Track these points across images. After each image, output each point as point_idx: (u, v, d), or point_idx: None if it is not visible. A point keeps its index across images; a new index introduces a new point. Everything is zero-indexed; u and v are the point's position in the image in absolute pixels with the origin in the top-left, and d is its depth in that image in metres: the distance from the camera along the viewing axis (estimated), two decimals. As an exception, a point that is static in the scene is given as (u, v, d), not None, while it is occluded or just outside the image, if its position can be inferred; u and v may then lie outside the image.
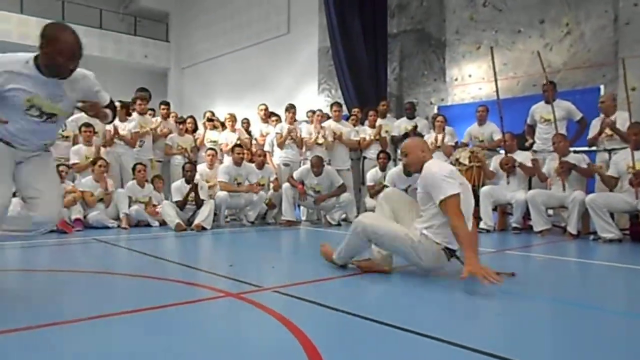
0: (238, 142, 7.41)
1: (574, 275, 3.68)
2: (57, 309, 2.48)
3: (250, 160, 7.16)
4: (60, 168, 6.24)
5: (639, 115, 6.65)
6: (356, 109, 8.04)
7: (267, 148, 7.63)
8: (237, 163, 6.70)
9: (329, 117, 7.78)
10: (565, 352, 1.83)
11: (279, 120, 7.87)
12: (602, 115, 5.85)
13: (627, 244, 4.94)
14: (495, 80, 6.05)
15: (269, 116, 8.13)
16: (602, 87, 7.11)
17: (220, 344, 1.91)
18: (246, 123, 8.59)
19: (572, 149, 5.70)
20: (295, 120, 7.74)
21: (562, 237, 5.44)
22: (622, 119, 5.56)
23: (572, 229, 5.31)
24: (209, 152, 7.19)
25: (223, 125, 8.17)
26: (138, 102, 7.32)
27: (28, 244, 4.52)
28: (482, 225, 5.89)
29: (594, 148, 6.03)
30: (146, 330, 2.08)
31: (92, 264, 3.89)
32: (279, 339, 1.94)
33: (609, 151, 5.71)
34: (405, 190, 6.42)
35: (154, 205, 6.51)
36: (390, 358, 1.75)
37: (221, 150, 7.67)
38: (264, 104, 8.30)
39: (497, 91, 6.10)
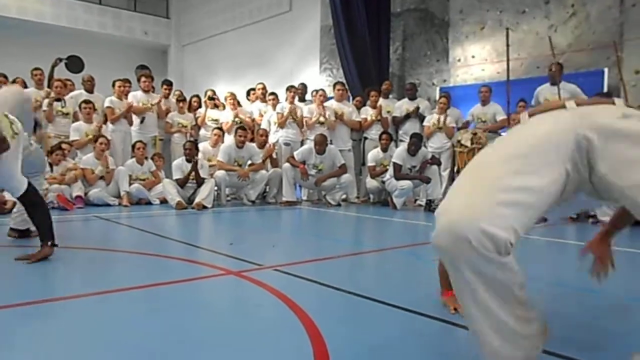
0: (240, 123, 7.35)
1: (571, 258, 3.69)
2: (59, 285, 2.50)
3: (252, 140, 7.14)
4: (63, 146, 6.24)
5: (641, 98, 6.62)
6: (358, 97, 7.97)
7: (264, 126, 7.60)
8: (239, 145, 6.68)
9: (330, 98, 7.74)
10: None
11: (276, 99, 7.81)
12: None
13: (626, 229, 4.95)
14: (507, 64, 5.99)
15: (265, 95, 8.03)
16: (606, 70, 7.03)
17: (222, 321, 1.93)
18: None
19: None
20: (304, 100, 7.67)
21: (562, 220, 5.46)
22: None
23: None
24: (216, 131, 7.17)
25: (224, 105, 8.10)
26: (143, 79, 7.30)
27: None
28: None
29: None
30: (148, 307, 2.10)
31: (93, 240, 3.91)
32: (279, 317, 1.96)
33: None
34: (410, 170, 6.45)
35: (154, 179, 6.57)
36: (388, 335, 1.77)
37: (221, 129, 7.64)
38: (262, 83, 8.24)
39: (507, 74, 6.04)
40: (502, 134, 6.54)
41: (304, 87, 8.41)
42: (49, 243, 2.84)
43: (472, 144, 6.52)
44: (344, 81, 8.91)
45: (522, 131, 1.34)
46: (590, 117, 1.24)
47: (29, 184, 2.89)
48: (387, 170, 6.65)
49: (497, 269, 1.13)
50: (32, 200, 2.91)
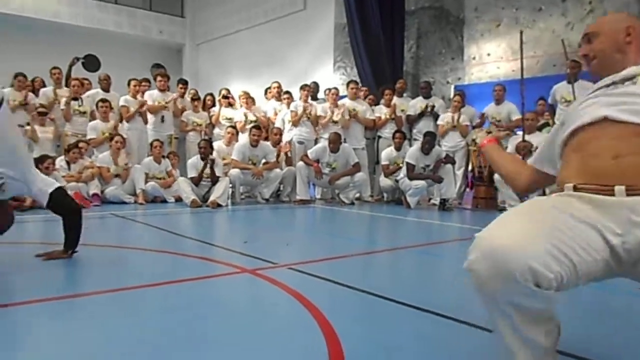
0: (255, 122, 7.38)
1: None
2: (75, 282, 2.54)
3: (266, 139, 7.16)
4: (80, 145, 6.33)
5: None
6: (371, 96, 7.95)
7: (278, 125, 7.60)
8: (253, 144, 6.70)
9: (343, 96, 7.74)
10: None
11: (290, 98, 7.83)
12: None
13: None
14: (522, 66, 5.88)
15: (280, 94, 8.05)
16: (623, 68, 6.94)
17: (237, 319, 1.95)
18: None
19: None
20: (316, 99, 7.66)
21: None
22: None
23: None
24: (229, 129, 7.22)
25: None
26: (158, 78, 7.38)
27: (46, 218, 4.60)
28: (507, 207, 5.88)
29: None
30: (164, 304, 2.12)
31: (109, 238, 3.96)
32: (294, 315, 1.97)
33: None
34: (424, 169, 6.42)
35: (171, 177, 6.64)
36: (403, 334, 1.77)
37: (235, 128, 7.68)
38: (277, 82, 8.26)
39: (521, 76, 5.92)
40: (518, 132, 6.48)
41: (315, 85, 8.42)
42: (69, 252, 2.88)
43: (487, 142, 6.47)
44: (358, 80, 8.89)
45: (574, 205, 1.21)
46: None
47: (54, 192, 2.78)
48: (400, 168, 6.63)
49: (536, 302, 1.09)
50: (59, 211, 2.86)
